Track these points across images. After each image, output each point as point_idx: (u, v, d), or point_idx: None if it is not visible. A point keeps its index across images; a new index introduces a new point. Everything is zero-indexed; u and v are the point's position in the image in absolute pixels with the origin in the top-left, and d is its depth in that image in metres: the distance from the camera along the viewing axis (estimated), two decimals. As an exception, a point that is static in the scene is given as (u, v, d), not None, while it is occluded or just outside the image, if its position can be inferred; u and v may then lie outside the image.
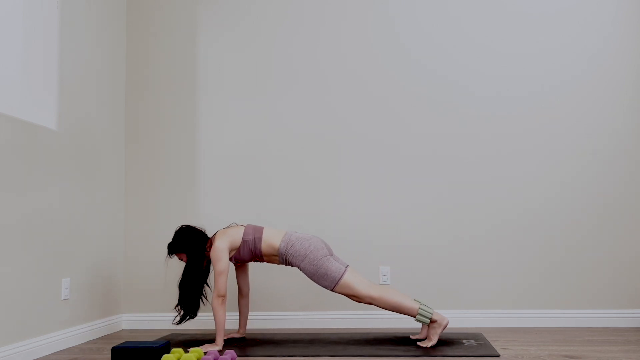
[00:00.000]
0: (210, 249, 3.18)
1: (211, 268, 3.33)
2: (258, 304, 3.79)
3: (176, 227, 3.37)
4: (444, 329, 3.04)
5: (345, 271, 3.10)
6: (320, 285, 3.16)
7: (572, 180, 3.71)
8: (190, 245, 3.18)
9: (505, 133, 3.77)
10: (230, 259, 3.23)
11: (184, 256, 3.21)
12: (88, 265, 3.49)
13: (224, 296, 3.05)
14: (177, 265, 3.89)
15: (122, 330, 3.84)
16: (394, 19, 3.89)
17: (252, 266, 3.83)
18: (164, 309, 3.87)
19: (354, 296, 3.10)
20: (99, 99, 3.68)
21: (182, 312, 3.17)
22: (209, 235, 3.37)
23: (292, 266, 3.20)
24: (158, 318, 3.86)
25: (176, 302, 3.85)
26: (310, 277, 3.14)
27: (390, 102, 3.85)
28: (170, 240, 3.43)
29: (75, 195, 3.37)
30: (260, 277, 3.83)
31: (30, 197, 2.96)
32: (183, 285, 3.16)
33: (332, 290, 3.12)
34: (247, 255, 3.22)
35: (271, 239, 3.19)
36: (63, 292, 3.22)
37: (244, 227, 3.24)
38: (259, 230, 3.22)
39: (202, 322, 3.81)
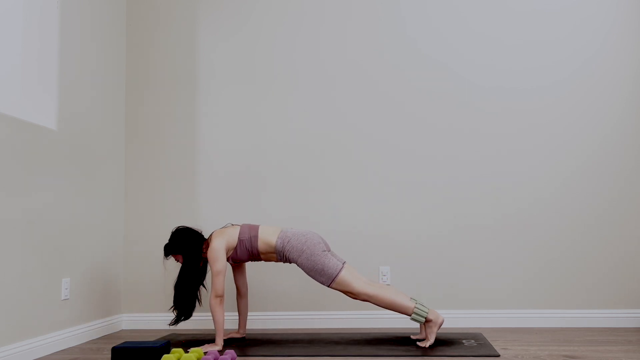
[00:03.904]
0: (207, 250, 3.18)
1: (208, 269, 3.32)
2: (258, 304, 3.79)
3: (173, 228, 3.35)
4: (439, 327, 3.03)
5: (342, 268, 3.09)
6: (317, 281, 3.15)
7: (572, 178, 3.71)
8: (187, 246, 3.17)
9: (503, 132, 3.77)
10: (228, 260, 3.22)
11: (180, 257, 3.20)
12: (88, 265, 3.49)
13: (221, 296, 3.05)
14: (177, 266, 3.89)
15: (122, 330, 3.84)
16: (398, 13, 3.89)
17: (252, 266, 3.83)
18: (164, 309, 3.86)
19: (350, 293, 3.09)
20: (99, 99, 3.68)
21: (176, 313, 3.16)
22: (206, 237, 3.35)
23: (290, 262, 3.19)
24: (158, 318, 3.86)
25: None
26: (308, 273, 3.14)
27: (394, 100, 3.85)
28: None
29: (75, 195, 3.37)
30: (259, 277, 3.82)
31: (30, 197, 2.96)
32: (179, 286, 3.15)
33: (328, 286, 3.11)
34: (244, 255, 3.21)
35: (267, 237, 3.18)
36: (63, 292, 3.22)
37: (239, 227, 3.24)
38: (254, 229, 3.21)
39: (202, 322, 3.81)
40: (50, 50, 3.25)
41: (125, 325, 3.88)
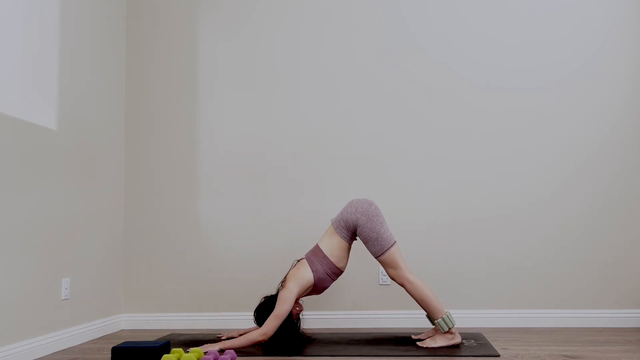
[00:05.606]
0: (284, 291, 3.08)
1: (301, 316, 3.29)
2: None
3: (255, 307, 3.29)
4: (452, 344, 3.02)
5: (395, 243, 3.10)
6: (369, 250, 3.11)
7: (573, 178, 3.71)
8: None
9: (503, 132, 3.77)
10: (313, 293, 3.21)
11: None
12: (88, 265, 3.49)
13: (267, 338, 3.01)
14: (176, 263, 3.89)
15: (122, 330, 3.84)
16: (399, 13, 3.89)
17: (252, 266, 3.83)
18: (164, 309, 3.86)
19: (394, 270, 3.08)
20: (99, 98, 3.68)
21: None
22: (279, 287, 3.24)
23: (357, 233, 3.14)
24: (158, 318, 3.86)
25: (177, 302, 3.86)
26: (364, 240, 3.10)
27: (396, 98, 3.85)
28: None
29: (75, 195, 3.37)
30: (260, 277, 3.82)
31: (30, 197, 2.96)
32: (284, 343, 3.13)
33: (377, 257, 3.10)
34: (327, 280, 3.18)
35: (330, 240, 3.17)
36: (63, 292, 3.22)
37: (304, 260, 3.20)
38: (317, 251, 3.18)
39: (202, 322, 3.81)
40: (50, 50, 3.25)
41: (125, 325, 3.88)
